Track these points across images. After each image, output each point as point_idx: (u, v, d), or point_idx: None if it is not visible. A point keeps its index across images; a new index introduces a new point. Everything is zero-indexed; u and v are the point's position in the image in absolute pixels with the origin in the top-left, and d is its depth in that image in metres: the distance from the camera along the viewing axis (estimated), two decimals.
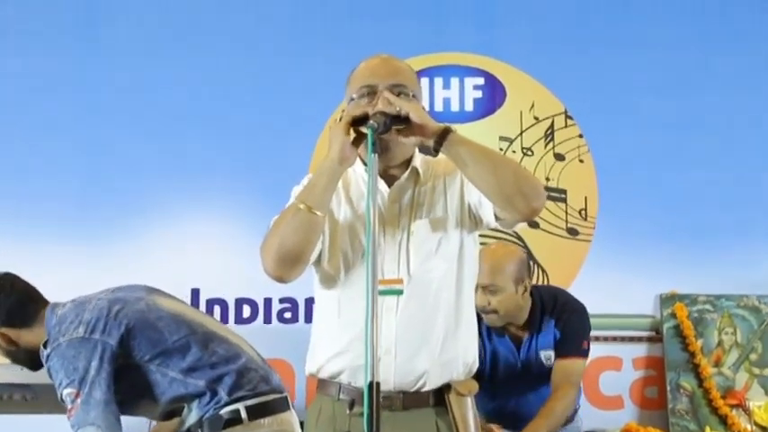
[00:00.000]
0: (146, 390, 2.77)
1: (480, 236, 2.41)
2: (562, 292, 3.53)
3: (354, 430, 2.10)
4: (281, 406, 2.80)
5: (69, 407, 2.67)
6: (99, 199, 4.19)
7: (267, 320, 4.18)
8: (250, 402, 2.74)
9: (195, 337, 2.79)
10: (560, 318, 3.36)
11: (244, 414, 2.71)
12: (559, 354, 3.34)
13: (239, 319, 4.15)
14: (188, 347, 2.77)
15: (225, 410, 2.72)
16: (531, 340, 3.37)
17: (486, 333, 3.38)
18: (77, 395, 2.64)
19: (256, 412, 2.73)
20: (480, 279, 3.03)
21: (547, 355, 3.36)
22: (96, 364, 2.66)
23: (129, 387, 2.75)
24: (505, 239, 4.11)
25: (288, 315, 4.18)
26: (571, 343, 3.34)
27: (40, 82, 4.27)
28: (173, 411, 2.82)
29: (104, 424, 2.62)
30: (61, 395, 2.70)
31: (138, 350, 2.73)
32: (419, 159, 2.33)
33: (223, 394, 2.73)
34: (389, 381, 2.19)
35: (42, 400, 2.79)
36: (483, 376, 3.34)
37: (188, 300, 4.11)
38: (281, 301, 4.18)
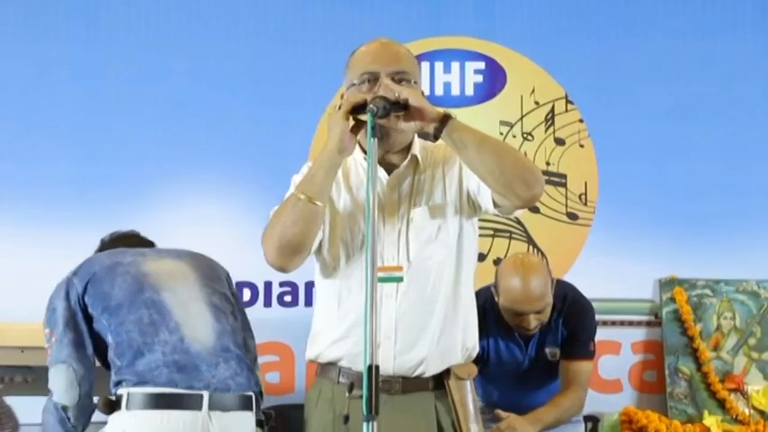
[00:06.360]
0: (104, 344, 2.62)
1: (480, 227, 2.42)
2: (570, 287, 3.44)
3: (353, 412, 2.10)
4: (174, 403, 2.48)
5: (47, 346, 2.62)
6: (97, 184, 4.16)
7: (267, 304, 4.18)
8: (134, 390, 2.47)
9: (137, 298, 2.58)
10: (569, 317, 3.31)
11: (125, 401, 2.48)
12: (568, 355, 3.31)
13: None
14: (121, 308, 2.58)
15: (114, 392, 2.52)
16: (540, 337, 3.33)
17: (495, 328, 3.32)
18: (52, 334, 2.59)
19: (138, 401, 2.47)
20: (533, 305, 3.16)
21: (552, 351, 3.31)
22: (65, 304, 2.60)
23: (97, 337, 2.63)
24: (506, 224, 4.14)
25: (288, 298, 4.19)
26: (580, 345, 3.31)
27: (38, 68, 4.24)
28: None
29: (75, 363, 2.55)
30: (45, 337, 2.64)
31: (93, 300, 2.61)
32: (418, 146, 2.33)
33: (114, 373, 2.52)
34: (389, 367, 2.21)
35: (44, 381, 2.76)
36: (489, 370, 3.34)
37: None
38: (282, 284, 4.17)
